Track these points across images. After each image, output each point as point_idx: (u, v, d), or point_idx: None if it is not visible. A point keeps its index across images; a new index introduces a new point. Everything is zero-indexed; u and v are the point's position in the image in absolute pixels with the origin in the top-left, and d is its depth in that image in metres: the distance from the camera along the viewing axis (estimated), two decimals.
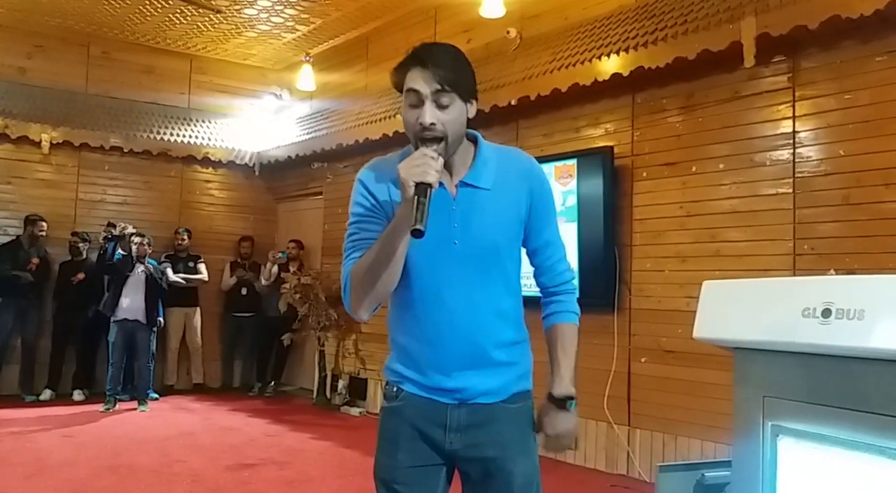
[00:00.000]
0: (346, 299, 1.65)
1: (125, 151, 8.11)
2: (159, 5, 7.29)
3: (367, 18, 7.45)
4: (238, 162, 8.72)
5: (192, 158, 8.54)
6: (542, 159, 5.39)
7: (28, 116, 7.62)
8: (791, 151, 4.24)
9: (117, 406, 6.93)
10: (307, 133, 8.05)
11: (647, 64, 4.64)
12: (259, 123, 8.97)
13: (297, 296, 7.41)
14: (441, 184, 1.62)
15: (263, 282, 8.25)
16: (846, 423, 1.65)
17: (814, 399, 1.72)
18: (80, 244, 7.52)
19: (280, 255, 8.22)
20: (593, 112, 5.37)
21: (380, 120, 6.81)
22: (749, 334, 1.85)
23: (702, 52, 4.33)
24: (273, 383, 8.33)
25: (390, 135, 6.56)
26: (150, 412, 6.93)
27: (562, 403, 1.68)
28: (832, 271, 3.89)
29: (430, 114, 1.55)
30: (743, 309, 1.90)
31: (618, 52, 4.81)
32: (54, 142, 7.70)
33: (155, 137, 8.25)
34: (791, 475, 1.78)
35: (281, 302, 7.54)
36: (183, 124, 8.54)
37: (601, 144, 5.25)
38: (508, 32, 5.94)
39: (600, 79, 4.91)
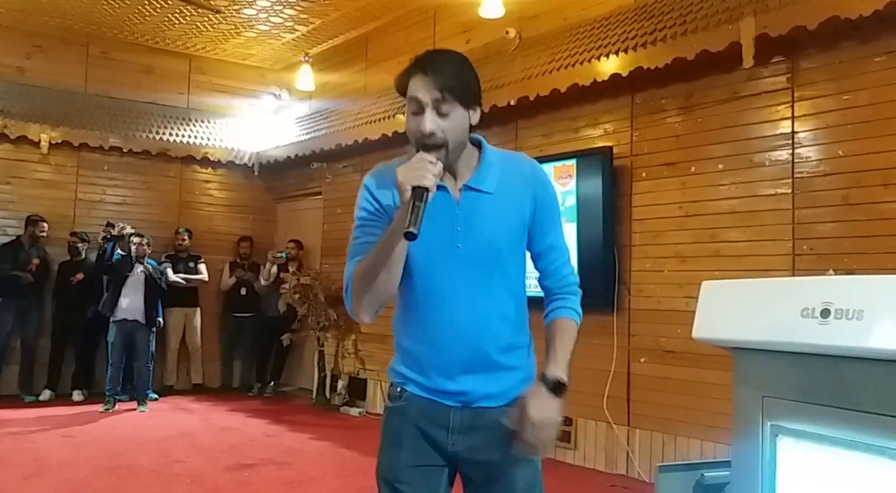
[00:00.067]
0: (348, 301, 1.67)
1: (124, 151, 8.11)
2: (158, 5, 7.29)
3: (367, 19, 7.45)
4: (237, 162, 8.72)
5: (191, 158, 8.54)
6: (542, 160, 5.39)
7: (27, 115, 7.61)
8: (790, 151, 4.25)
9: (116, 407, 6.93)
10: (306, 133, 8.05)
11: (646, 64, 4.64)
12: (258, 123, 8.97)
13: (297, 296, 7.41)
14: (445, 188, 1.63)
15: (263, 282, 8.25)
16: (845, 423, 1.65)
17: (813, 399, 1.72)
18: (79, 244, 7.52)
19: (279, 255, 8.22)
20: (592, 112, 5.37)
21: (379, 120, 6.81)
22: (748, 335, 1.86)
23: (701, 52, 4.33)
24: (272, 383, 8.33)
25: (389, 135, 6.56)
26: (150, 413, 6.93)
27: (554, 387, 1.59)
28: (831, 272, 3.90)
29: (430, 122, 1.56)
30: (742, 309, 1.90)
31: (617, 53, 4.81)
32: (53, 142, 7.70)
33: (154, 137, 8.25)
34: (790, 474, 1.78)
35: (280, 302, 7.54)
36: (182, 124, 8.53)
37: (600, 144, 5.25)
38: (508, 33, 5.94)
39: (599, 79, 4.92)
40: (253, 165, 8.75)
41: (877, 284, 1.66)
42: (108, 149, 8.02)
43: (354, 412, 7.18)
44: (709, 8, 4.40)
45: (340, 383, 7.54)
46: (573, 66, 5.09)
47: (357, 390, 7.41)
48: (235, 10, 7.34)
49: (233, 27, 7.86)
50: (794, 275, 4.06)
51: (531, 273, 1.74)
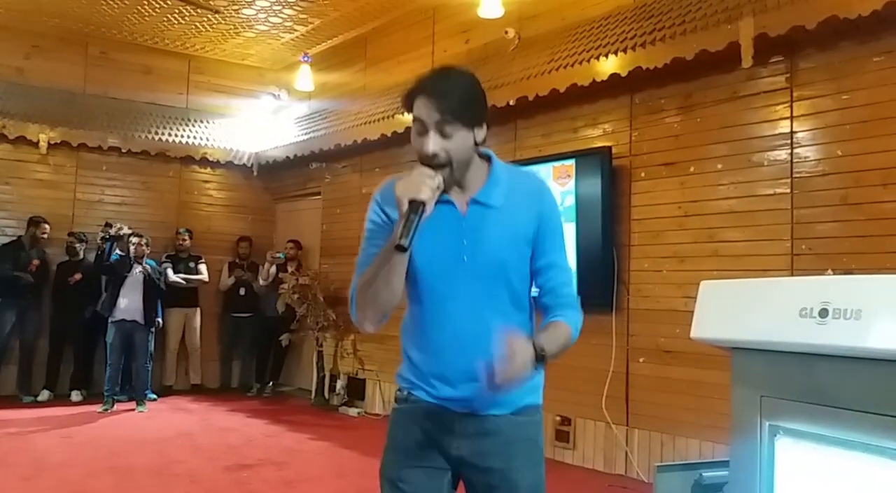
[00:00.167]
0: (353, 313, 1.69)
1: (123, 151, 8.10)
2: (157, 5, 7.29)
3: (366, 19, 7.45)
4: (236, 162, 8.71)
5: (190, 159, 8.53)
6: (541, 160, 5.41)
7: (26, 116, 7.60)
8: (789, 151, 4.25)
9: (115, 407, 6.92)
10: (305, 133, 8.04)
11: (645, 64, 4.64)
12: (257, 123, 8.96)
13: (296, 296, 7.41)
14: (451, 202, 1.65)
15: (262, 282, 8.24)
16: (843, 423, 1.65)
17: (811, 399, 1.72)
18: (77, 245, 7.51)
19: (278, 255, 8.21)
20: (591, 112, 5.37)
21: (378, 120, 6.80)
22: (746, 334, 1.86)
23: (700, 52, 4.33)
24: (271, 383, 8.32)
25: (388, 135, 6.56)
26: (149, 413, 6.93)
27: (537, 353, 1.53)
28: (829, 271, 3.90)
29: (432, 144, 1.57)
30: (740, 309, 1.90)
31: (616, 53, 4.81)
32: (52, 142, 7.69)
33: (153, 138, 8.24)
34: (788, 474, 1.79)
35: (279, 302, 7.54)
36: (181, 124, 8.53)
37: (599, 144, 5.25)
38: (507, 33, 5.94)
39: (598, 79, 4.91)
40: (252, 165, 8.75)
41: (875, 284, 1.66)
42: (106, 149, 8.02)
43: (353, 412, 7.18)
44: (708, 8, 4.40)
45: (339, 384, 7.54)
46: (572, 66, 5.09)
47: (356, 390, 7.41)
48: (234, 10, 7.33)
49: (232, 27, 7.86)
50: (792, 275, 4.06)
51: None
